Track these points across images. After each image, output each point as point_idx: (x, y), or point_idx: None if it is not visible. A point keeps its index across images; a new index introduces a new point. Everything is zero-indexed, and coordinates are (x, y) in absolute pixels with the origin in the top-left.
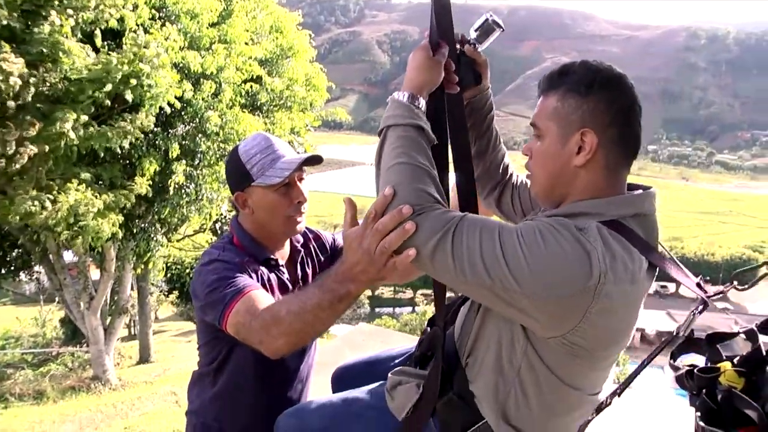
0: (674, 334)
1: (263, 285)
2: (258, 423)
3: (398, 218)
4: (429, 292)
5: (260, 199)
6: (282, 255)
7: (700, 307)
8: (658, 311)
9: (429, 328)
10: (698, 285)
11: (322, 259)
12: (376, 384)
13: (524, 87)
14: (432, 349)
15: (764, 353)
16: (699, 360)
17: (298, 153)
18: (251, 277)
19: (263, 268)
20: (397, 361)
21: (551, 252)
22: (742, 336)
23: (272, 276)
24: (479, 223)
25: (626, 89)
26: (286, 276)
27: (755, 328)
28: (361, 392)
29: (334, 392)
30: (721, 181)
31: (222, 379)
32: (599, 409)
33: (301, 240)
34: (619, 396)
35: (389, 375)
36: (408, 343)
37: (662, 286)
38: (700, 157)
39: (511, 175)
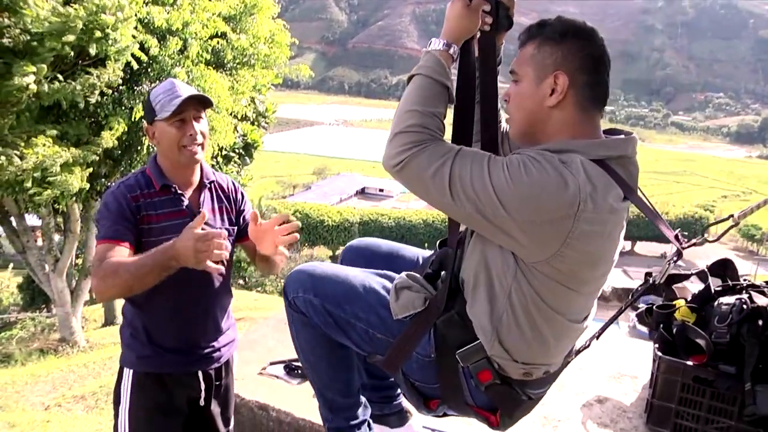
0: (651, 282)
1: (149, 208)
2: (172, 326)
3: (220, 245)
4: None
5: (161, 131)
6: (185, 184)
7: (675, 258)
8: (615, 269)
9: (440, 248)
10: (676, 237)
11: (229, 207)
12: (393, 279)
13: None
14: (442, 268)
15: (713, 291)
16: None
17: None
18: (130, 213)
19: (160, 195)
20: (413, 260)
21: (533, 180)
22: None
23: (166, 200)
24: (471, 155)
25: (597, 40)
26: (186, 203)
27: (706, 270)
28: (378, 284)
29: (344, 255)
30: (676, 142)
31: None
32: (579, 350)
33: (212, 178)
34: (597, 339)
35: (401, 275)
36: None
37: None
38: (656, 118)
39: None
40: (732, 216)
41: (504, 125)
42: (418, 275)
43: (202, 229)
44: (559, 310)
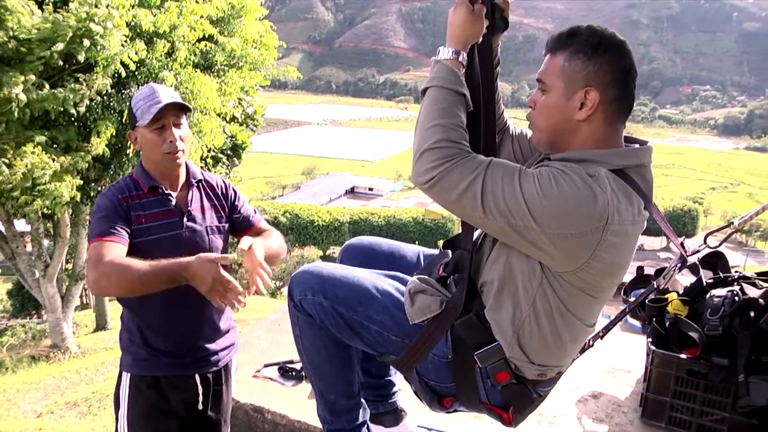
0: (654, 286)
1: (137, 209)
2: (166, 329)
3: (236, 299)
4: None
5: (142, 137)
6: (172, 185)
7: (679, 264)
8: None
9: (449, 251)
10: (681, 244)
11: (219, 204)
12: (404, 280)
13: None
14: (458, 271)
15: (704, 283)
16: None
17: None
18: (123, 213)
19: (148, 196)
20: (414, 259)
21: (564, 193)
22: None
23: (154, 201)
24: (502, 168)
25: (627, 53)
26: (173, 202)
27: (697, 262)
28: (391, 285)
29: (343, 254)
30: (664, 135)
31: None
32: (583, 349)
33: (199, 177)
34: (601, 338)
35: (414, 279)
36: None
37: None
38: (644, 112)
39: (508, 124)
40: (732, 223)
41: (511, 125)
42: (430, 278)
43: (190, 227)
44: (579, 316)
